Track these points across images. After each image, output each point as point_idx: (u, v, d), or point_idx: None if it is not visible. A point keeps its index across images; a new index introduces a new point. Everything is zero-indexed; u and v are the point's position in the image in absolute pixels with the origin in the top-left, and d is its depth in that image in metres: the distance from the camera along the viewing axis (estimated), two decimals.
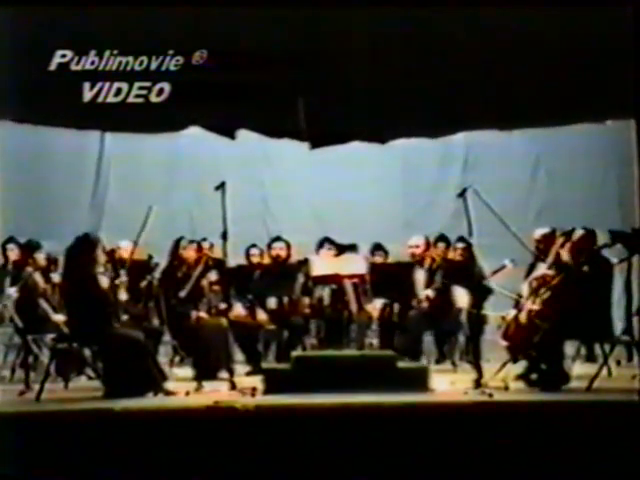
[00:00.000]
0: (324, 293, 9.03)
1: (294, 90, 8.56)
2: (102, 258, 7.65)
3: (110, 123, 9.84)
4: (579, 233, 7.67)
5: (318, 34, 8.34)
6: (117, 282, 8.10)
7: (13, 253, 9.11)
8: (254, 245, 9.69)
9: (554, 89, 9.29)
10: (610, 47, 8.74)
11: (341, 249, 9.33)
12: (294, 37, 8.37)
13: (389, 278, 9.11)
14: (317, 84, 8.51)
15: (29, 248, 8.88)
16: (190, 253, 9.16)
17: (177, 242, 9.17)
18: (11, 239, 9.23)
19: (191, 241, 9.31)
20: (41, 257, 8.82)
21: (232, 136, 9.28)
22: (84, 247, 7.62)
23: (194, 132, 11.38)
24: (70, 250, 7.68)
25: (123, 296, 8.21)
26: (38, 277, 8.69)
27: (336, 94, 8.60)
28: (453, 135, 11.75)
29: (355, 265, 8.79)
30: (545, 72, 9.10)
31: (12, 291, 8.67)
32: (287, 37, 8.34)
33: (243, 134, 11.60)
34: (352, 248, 9.32)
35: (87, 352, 8.23)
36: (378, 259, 9.64)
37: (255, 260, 9.59)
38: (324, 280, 8.83)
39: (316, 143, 9.10)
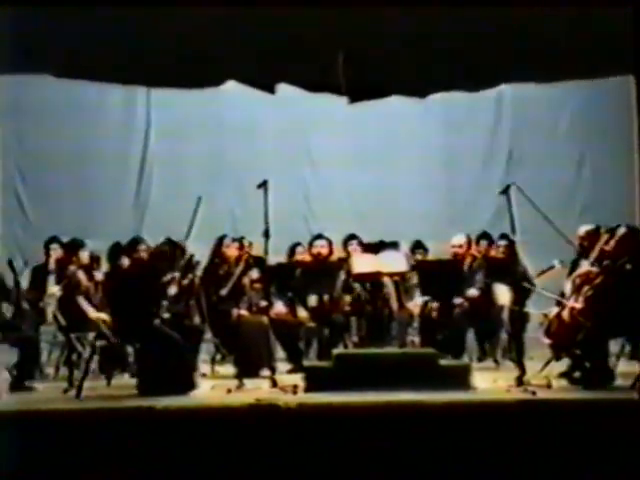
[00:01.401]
0: (364, 291, 8.99)
1: (334, 44, 8.43)
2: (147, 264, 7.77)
3: (150, 78, 9.68)
4: (622, 230, 7.62)
5: None
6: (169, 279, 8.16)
7: (56, 252, 9.18)
8: (299, 243, 9.66)
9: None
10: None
11: (368, 247, 9.27)
12: None
13: (434, 276, 9.06)
14: (357, 38, 8.40)
15: (73, 246, 8.91)
16: (232, 251, 9.17)
17: (220, 240, 9.18)
18: (54, 238, 9.30)
19: (234, 239, 9.33)
20: (85, 255, 8.84)
21: (272, 91, 9.13)
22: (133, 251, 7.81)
23: (239, 128, 11.46)
24: (119, 251, 7.82)
25: (172, 292, 8.26)
26: (81, 275, 8.72)
27: (376, 47, 8.48)
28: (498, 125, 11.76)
29: (396, 262, 8.73)
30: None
31: (55, 289, 8.73)
32: None
33: (286, 134, 11.67)
34: (393, 245, 9.26)
35: (130, 349, 8.27)
36: (418, 257, 9.60)
37: (299, 258, 9.58)
38: (365, 277, 8.79)
39: (355, 97, 8.95)
